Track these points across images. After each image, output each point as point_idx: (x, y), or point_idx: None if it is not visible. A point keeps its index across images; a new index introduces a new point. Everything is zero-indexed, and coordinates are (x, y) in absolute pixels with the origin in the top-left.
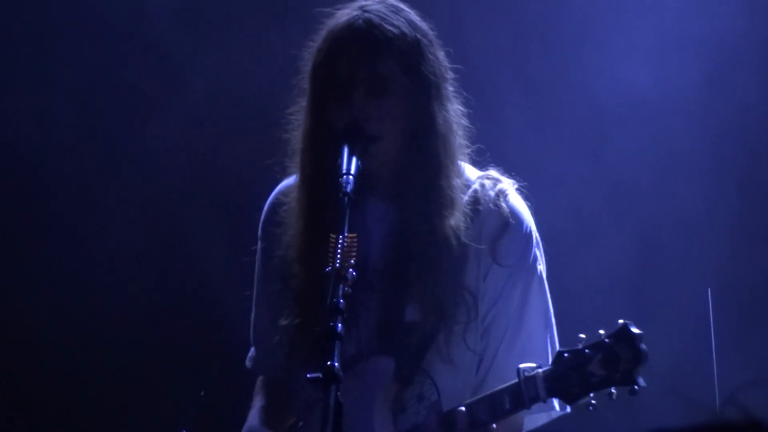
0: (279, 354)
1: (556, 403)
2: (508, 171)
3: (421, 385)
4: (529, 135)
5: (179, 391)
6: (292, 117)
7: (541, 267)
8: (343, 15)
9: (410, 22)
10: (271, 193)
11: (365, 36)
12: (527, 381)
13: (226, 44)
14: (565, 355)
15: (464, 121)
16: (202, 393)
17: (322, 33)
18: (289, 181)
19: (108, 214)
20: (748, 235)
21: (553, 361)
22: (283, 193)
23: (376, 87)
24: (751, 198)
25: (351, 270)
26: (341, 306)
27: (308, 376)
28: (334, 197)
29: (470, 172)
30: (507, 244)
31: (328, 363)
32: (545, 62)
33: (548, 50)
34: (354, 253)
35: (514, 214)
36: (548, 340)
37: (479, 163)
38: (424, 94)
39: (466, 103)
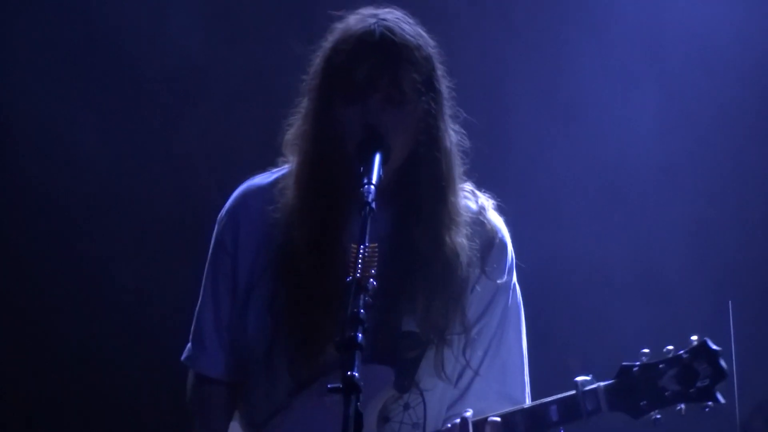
0: (235, 354)
1: None
2: (498, 190)
3: (409, 395)
4: (534, 145)
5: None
6: (293, 117)
7: (516, 282)
8: (358, 21)
9: (422, 35)
10: None
11: (389, 43)
12: (586, 394)
13: (248, 51)
14: (634, 369)
15: (462, 139)
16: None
17: (337, 36)
18: (259, 180)
19: (130, 222)
20: None
21: (618, 374)
22: (256, 192)
23: (394, 95)
24: None
25: (372, 280)
26: (362, 316)
27: (329, 386)
28: (343, 201)
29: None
30: (494, 259)
31: (348, 373)
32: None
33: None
34: (375, 263)
35: (498, 230)
36: (524, 354)
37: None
38: (437, 107)
39: (465, 121)
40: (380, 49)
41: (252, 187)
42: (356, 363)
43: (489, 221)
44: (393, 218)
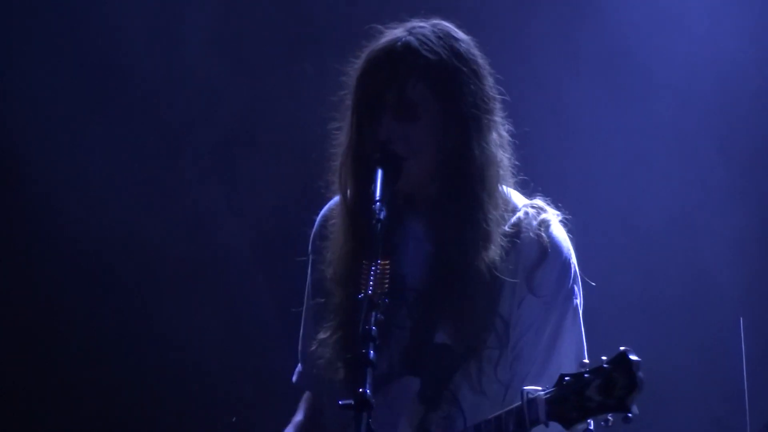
0: (322, 367)
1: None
2: (556, 201)
3: (448, 409)
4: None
5: (212, 416)
6: (336, 133)
7: (578, 300)
8: (389, 35)
9: (453, 50)
10: (307, 214)
11: (397, 59)
12: (530, 403)
13: (259, 72)
14: (566, 378)
15: (509, 151)
16: (234, 419)
17: (365, 51)
18: (336, 198)
19: (142, 239)
20: None
21: (555, 384)
22: (331, 208)
23: (402, 110)
24: None
25: (384, 297)
26: (374, 333)
27: (340, 402)
28: (368, 221)
29: (517, 199)
30: (543, 274)
31: (360, 390)
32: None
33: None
34: (387, 280)
35: (554, 244)
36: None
37: (527, 192)
38: (459, 123)
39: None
40: (390, 65)
41: (328, 205)
42: (368, 380)
43: (544, 237)
44: (426, 231)
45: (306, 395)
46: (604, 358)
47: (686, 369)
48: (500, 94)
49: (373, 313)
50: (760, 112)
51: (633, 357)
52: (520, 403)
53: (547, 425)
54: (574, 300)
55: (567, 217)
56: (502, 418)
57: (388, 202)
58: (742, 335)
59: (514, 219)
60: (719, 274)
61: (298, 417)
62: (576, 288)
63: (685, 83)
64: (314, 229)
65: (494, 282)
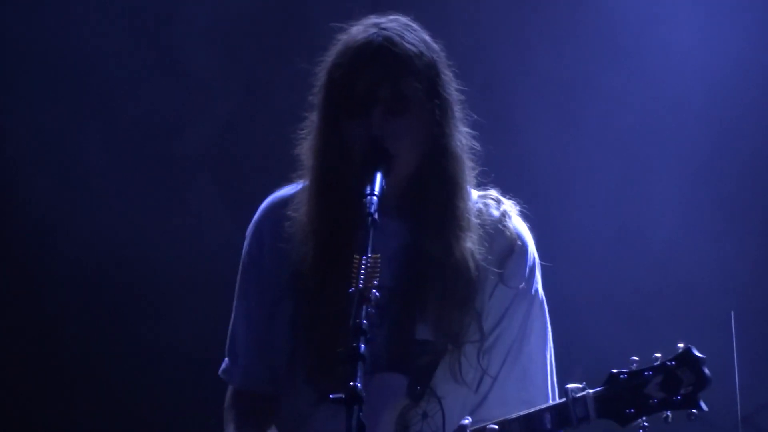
0: (267, 367)
1: None
2: (507, 191)
3: (427, 403)
4: (548, 148)
5: (188, 418)
6: (302, 132)
7: (541, 290)
8: (359, 32)
9: (425, 42)
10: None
11: (388, 54)
12: (576, 401)
13: (250, 65)
14: (621, 376)
15: (472, 143)
16: (211, 421)
17: (338, 48)
18: (284, 191)
19: (131, 233)
20: None
21: (605, 382)
22: (279, 205)
23: (396, 105)
24: None
25: (374, 291)
26: (365, 327)
27: (331, 396)
28: (351, 215)
29: (471, 192)
30: (513, 265)
31: (351, 384)
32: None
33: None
34: (377, 274)
35: (520, 236)
36: (548, 362)
37: (483, 184)
38: (442, 114)
39: (475, 122)
40: (380, 60)
41: (276, 200)
42: (359, 374)
43: (510, 228)
44: (406, 228)
45: (233, 394)
46: (658, 355)
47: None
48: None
49: (364, 307)
50: (753, 113)
51: (698, 354)
52: (562, 400)
53: (590, 422)
54: (539, 288)
55: (524, 207)
56: (534, 416)
57: (381, 198)
58: (734, 328)
59: (474, 211)
60: (711, 268)
61: (235, 419)
62: (539, 276)
63: (678, 81)
64: (258, 224)
65: (473, 274)
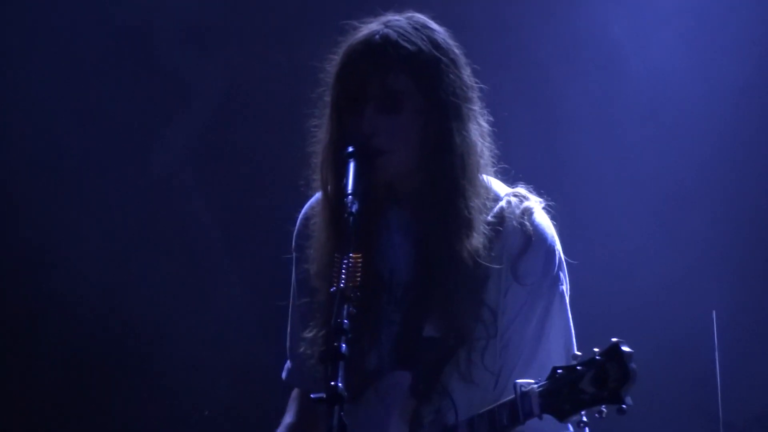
0: (311, 366)
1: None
2: (537, 188)
3: (440, 401)
4: (536, 148)
5: (184, 410)
6: (315, 130)
7: (564, 287)
8: (365, 29)
9: (432, 41)
10: (280, 210)
11: (378, 52)
12: (523, 396)
13: (231, 62)
14: (559, 371)
15: (489, 140)
16: (206, 413)
17: (342, 46)
18: (314, 199)
19: (112, 231)
20: (756, 258)
21: (548, 377)
22: (312, 206)
23: (386, 103)
24: (758, 220)
25: (356, 290)
26: (345, 326)
27: (312, 396)
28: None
29: (499, 188)
30: (528, 262)
31: (332, 383)
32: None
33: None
34: (359, 274)
35: (538, 232)
36: (566, 360)
37: (507, 181)
38: (440, 113)
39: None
40: (369, 58)
41: (312, 203)
42: (340, 373)
43: (528, 225)
44: (410, 223)
45: (294, 393)
46: (596, 350)
47: (660, 361)
48: (478, 83)
49: (345, 306)
50: (741, 110)
51: (626, 348)
52: (513, 396)
53: (540, 418)
54: (560, 286)
55: (550, 203)
56: (495, 411)
57: (364, 196)
58: (715, 328)
59: (496, 208)
60: (693, 268)
61: (288, 419)
62: (562, 274)
63: (668, 80)
64: (297, 228)
65: (479, 271)
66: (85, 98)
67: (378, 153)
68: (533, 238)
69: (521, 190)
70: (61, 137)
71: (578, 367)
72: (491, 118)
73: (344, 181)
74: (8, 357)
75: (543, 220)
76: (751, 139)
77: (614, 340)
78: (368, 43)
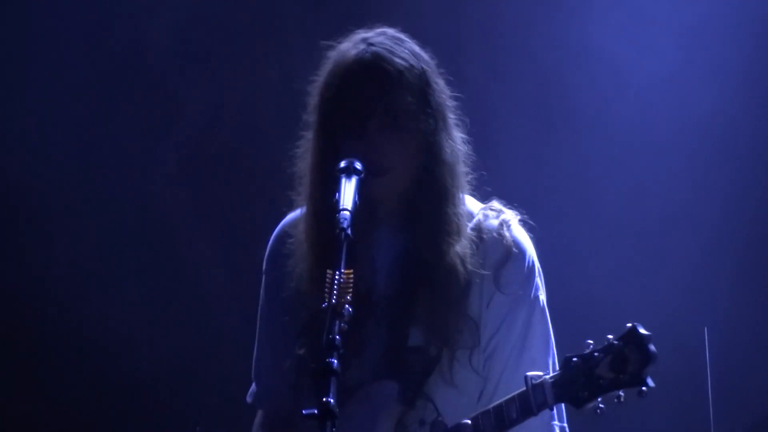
0: (282, 388)
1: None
2: (510, 201)
3: (424, 410)
4: (528, 160)
5: (176, 426)
6: (298, 150)
7: (543, 296)
8: (349, 48)
9: (414, 53)
10: (273, 223)
11: (378, 70)
12: (535, 388)
13: (223, 76)
14: (574, 359)
15: (466, 149)
16: (198, 429)
17: (328, 67)
18: (295, 214)
19: (108, 244)
20: (747, 273)
21: (561, 366)
22: (289, 225)
23: (390, 120)
24: (753, 237)
25: (347, 306)
26: (337, 342)
27: (303, 412)
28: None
29: (472, 204)
30: (509, 272)
31: (324, 399)
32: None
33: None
34: (350, 290)
35: (517, 243)
36: (550, 367)
37: (479, 191)
38: (433, 123)
39: (467, 129)
40: (370, 77)
41: (286, 223)
42: (332, 389)
43: (507, 236)
44: (399, 238)
45: (260, 417)
46: (610, 336)
47: (652, 377)
48: (453, 92)
49: (337, 323)
50: (739, 123)
51: (643, 331)
52: (523, 389)
53: (551, 409)
54: (540, 296)
55: (525, 217)
56: (503, 407)
57: (357, 213)
58: (707, 344)
59: (474, 221)
60: (685, 283)
61: None
62: (540, 284)
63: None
64: (270, 248)
65: (464, 279)
66: (78, 110)
67: (384, 171)
68: (513, 248)
69: (496, 204)
70: (56, 150)
71: (595, 354)
72: (469, 126)
73: (336, 197)
74: None
75: (520, 231)
76: (748, 153)
77: (629, 324)
78: (363, 62)
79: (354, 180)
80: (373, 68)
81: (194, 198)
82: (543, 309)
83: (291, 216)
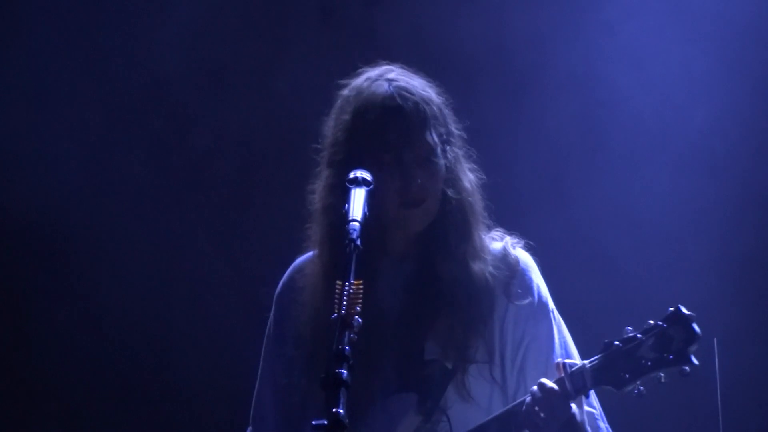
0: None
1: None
2: (534, 221)
3: (438, 422)
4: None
5: (176, 427)
6: (314, 195)
7: (552, 304)
8: (369, 86)
9: (429, 87)
10: (285, 242)
11: (408, 104)
12: (572, 375)
13: (234, 93)
14: (616, 342)
15: (478, 174)
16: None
17: (350, 105)
18: (304, 257)
19: (116, 259)
20: (754, 284)
21: (601, 351)
22: (298, 269)
23: (423, 152)
24: (761, 249)
25: (357, 317)
26: (347, 353)
27: (313, 422)
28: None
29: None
30: (519, 285)
31: (334, 410)
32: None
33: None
34: (360, 300)
35: (523, 259)
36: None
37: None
38: (453, 156)
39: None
40: (403, 112)
41: (297, 265)
42: (342, 400)
43: (511, 253)
44: (417, 254)
45: None
46: (651, 322)
47: (660, 389)
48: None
49: (346, 333)
50: (739, 136)
51: (686, 311)
52: (561, 376)
53: (587, 396)
54: (551, 302)
55: (529, 243)
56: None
57: (364, 223)
58: (716, 356)
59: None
60: (694, 294)
61: None
62: (548, 292)
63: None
64: (279, 289)
65: (483, 292)
66: (88, 125)
67: (421, 201)
68: (520, 264)
69: (497, 232)
70: (65, 164)
71: (638, 335)
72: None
73: (345, 208)
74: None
75: (524, 253)
76: (749, 166)
77: (672, 307)
78: (391, 98)
79: (363, 191)
80: (403, 103)
81: (205, 210)
82: (556, 315)
83: (301, 259)
